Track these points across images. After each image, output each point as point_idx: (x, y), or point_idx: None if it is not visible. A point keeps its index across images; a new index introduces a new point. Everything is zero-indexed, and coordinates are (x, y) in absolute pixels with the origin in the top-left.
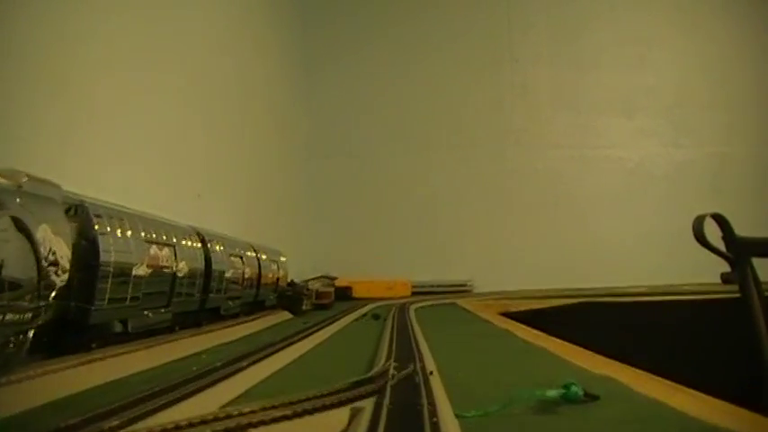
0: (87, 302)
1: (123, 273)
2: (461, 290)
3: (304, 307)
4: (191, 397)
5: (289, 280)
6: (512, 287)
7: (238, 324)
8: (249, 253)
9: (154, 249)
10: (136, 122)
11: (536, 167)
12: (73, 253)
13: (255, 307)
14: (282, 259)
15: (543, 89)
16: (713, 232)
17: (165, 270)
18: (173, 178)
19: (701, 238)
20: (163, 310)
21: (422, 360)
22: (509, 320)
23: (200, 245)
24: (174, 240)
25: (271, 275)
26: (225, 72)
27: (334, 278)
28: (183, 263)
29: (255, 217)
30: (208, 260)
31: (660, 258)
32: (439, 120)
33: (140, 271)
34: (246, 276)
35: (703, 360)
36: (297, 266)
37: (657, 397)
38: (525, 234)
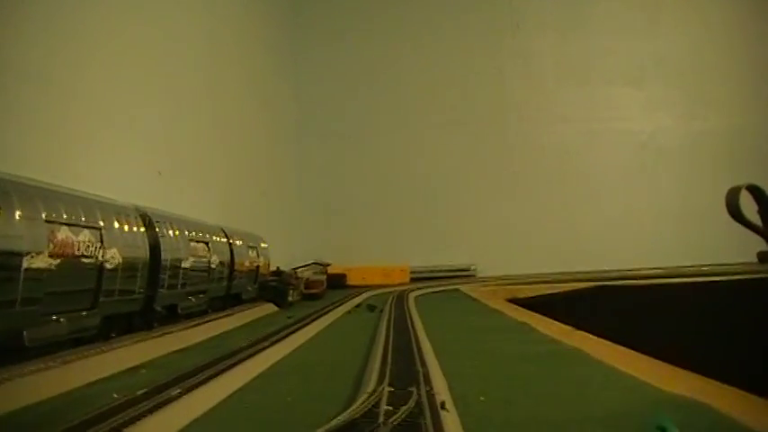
0: None
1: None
2: (464, 275)
3: (291, 298)
4: None
5: (274, 268)
6: (517, 271)
7: (203, 323)
8: (218, 238)
9: (64, 233)
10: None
11: (541, 143)
12: None
13: (229, 301)
14: (264, 245)
15: (547, 58)
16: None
17: (86, 261)
18: (119, 148)
19: (736, 213)
20: (85, 314)
21: (428, 380)
22: (522, 310)
23: (141, 228)
24: (102, 223)
25: (248, 264)
26: (193, 38)
27: (327, 265)
28: (115, 251)
29: (235, 199)
30: (155, 247)
31: (676, 238)
32: (436, 94)
33: (38, 263)
34: (214, 266)
35: (734, 348)
36: (287, 253)
37: None
38: (531, 214)
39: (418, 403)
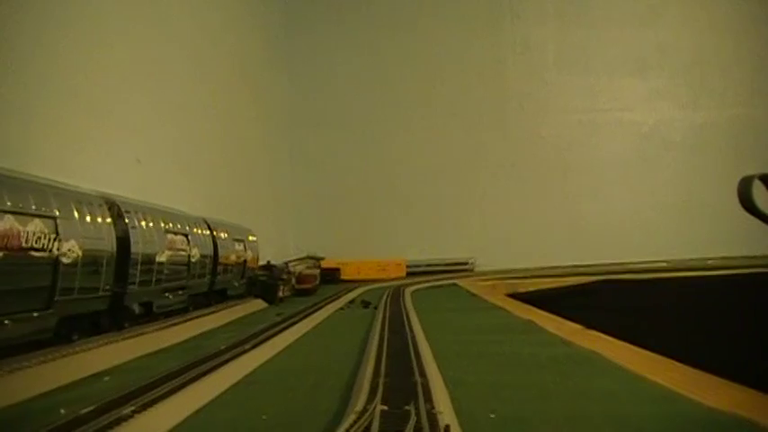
0: None
1: None
2: (462, 269)
3: (281, 294)
4: None
5: (264, 262)
6: (516, 265)
7: (182, 323)
8: (200, 230)
9: (8, 223)
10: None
11: (541, 134)
12: None
13: (213, 298)
14: (252, 239)
15: (547, 47)
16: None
17: (37, 255)
18: (93, 132)
19: (748, 203)
20: (37, 315)
21: (428, 395)
22: (526, 306)
23: (108, 218)
24: (57, 212)
25: (234, 258)
26: (179, 20)
27: (321, 259)
28: (73, 243)
29: (223, 191)
30: (125, 240)
31: (679, 230)
32: (433, 83)
33: None
34: (195, 260)
35: (743, 344)
36: (279, 247)
37: None
38: (531, 207)
39: (417, 429)
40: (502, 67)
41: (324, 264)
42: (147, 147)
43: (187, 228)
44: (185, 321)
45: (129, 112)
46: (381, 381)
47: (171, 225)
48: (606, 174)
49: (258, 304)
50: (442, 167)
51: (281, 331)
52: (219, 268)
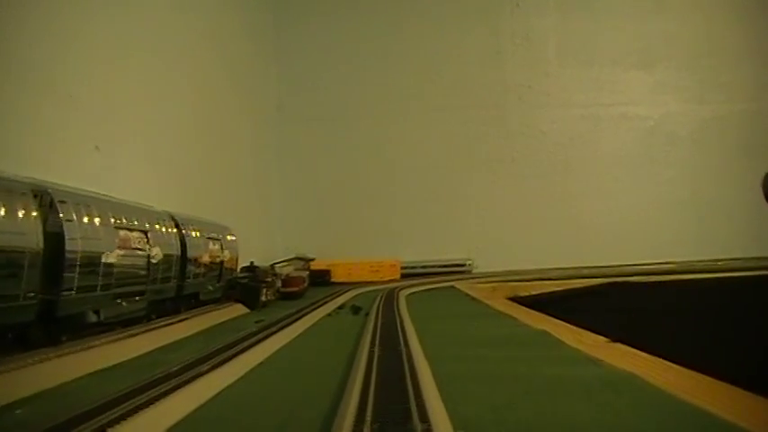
0: None
1: None
2: (459, 270)
3: (264, 298)
4: None
5: (247, 263)
6: (516, 266)
7: (139, 334)
8: (163, 227)
9: None
10: None
11: (542, 129)
12: None
13: (183, 304)
14: (231, 238)
15: (549, 38)
16: None
17: None
18: (42, 114)
19: None
20: None
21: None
22: (535, 313)
23: (33, 210)
24: None
25: (208, 258)
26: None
27: (311, 260)
28: None
29: (200, 186)
30: (57, 236)
31: (686, 230)
32: (429, 76)
33: None
34: (156, 261)
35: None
36: (267, 247)
37: None
38: (531, 205)
39: None
40: (501, 59)
41: (314, 265)
42: (108, 134)
43: (147, 224)
44: (143, 332)
45: (91, 94)
46: (368, 427)
47: (124, 220)
48: (609, 170)
49: (237, 310)
50: (438, 163)
51: (252, 345)
52: (189, 270)
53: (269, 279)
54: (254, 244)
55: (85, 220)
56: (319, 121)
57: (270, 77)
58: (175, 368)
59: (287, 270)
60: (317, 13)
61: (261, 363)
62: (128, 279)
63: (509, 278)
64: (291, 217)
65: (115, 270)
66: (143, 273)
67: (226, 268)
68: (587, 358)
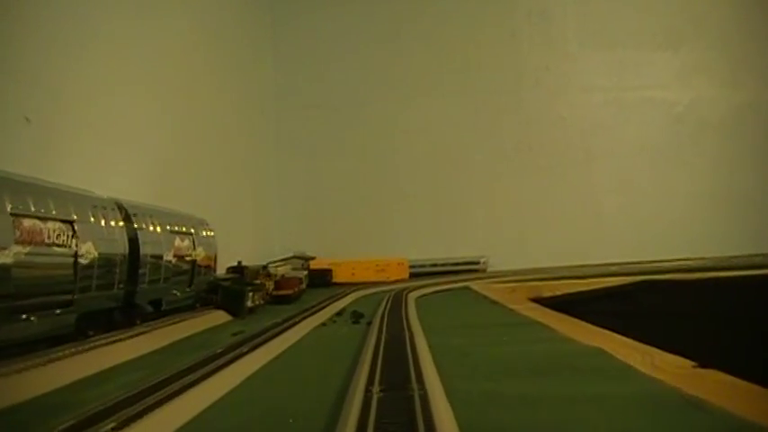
0: None
1: None
2: (472, 269)
3: (251, 303)
4: None
5: (235, 263)
6: (534, 264)
7: (62, 359)
8: (102, 218)
9: None
10: None
11: (561, 115)
12: None
13: (138, 315)
14: (208, 233)
15: (568, 17)
16: None
17: None
18: None
19: None
20: None
21: None
22: (575, 322)
23: None
24: None
25: (173, 258)
26: None
27: (310, 259)
28: None
29: (183, 176)
30: None
31: (717, 224)
32: (438, 59)
33: None
34: (88, 261)
35: None
36: (263, 245)
37: None
38: (550, 198)
39: None
40: (516, 40)
41: (313, 264)
42: (38, 101)
43: (73, 214)
44: (68, 356)
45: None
46: None
47: (32, 207)
48: (634, 160)
49: (215, 319)
50: (450, 154)
51: (215, 370)
52: (144, 272)
53: (258, 281)
54: (248, 241)
55: None
56: (320, 110)
57: (266, 63)
58: (102, 407)
59: (283, 270)
60: None
61: (221, 397)
62: (40, 288)
63: (528, 277)
64: (289, 212)
65: (14, 275)
66: (68, 276)
67: (200, 269)
68: (683, 400)
